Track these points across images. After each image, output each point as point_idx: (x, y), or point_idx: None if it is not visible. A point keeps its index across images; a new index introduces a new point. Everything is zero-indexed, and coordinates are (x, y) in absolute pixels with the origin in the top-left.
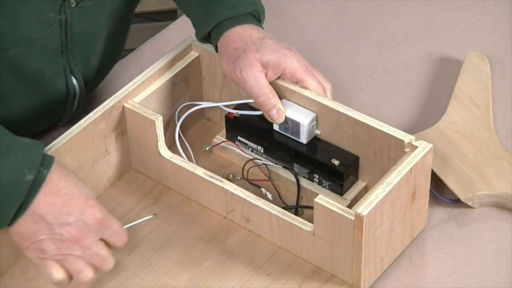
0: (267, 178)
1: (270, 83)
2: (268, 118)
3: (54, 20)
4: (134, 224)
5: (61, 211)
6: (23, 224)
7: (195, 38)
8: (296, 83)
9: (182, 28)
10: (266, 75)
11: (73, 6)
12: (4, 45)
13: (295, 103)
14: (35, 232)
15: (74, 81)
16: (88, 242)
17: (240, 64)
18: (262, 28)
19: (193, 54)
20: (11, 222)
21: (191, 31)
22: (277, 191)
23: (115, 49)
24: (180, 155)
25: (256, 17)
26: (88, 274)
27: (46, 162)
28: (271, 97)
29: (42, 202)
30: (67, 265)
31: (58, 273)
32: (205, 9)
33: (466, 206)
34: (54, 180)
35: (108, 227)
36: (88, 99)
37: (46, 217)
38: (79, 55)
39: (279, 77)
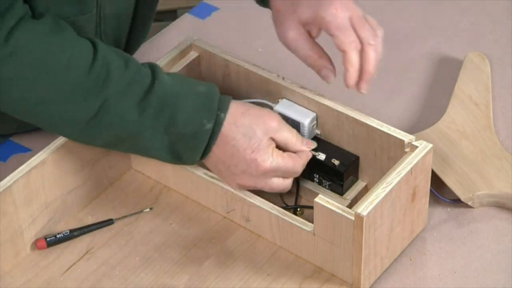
0: None
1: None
2: (322, 78)
3: (93, 4)
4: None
5: (230, 162)
6: (207, 164)
7: (195, 38)
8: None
9: (182, 28)
10: (311, 32)
11: None
12: None
13: (295, 103)
14: (218, 172)
15: None
16: (261, 185)
17: (283, 29)
18: None
19: (193, 54)
20: (198, 161)
21: (191, 31)
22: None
23: (143, 30)
24: None
25: None
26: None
27: (223, 105)
28: (316, 59)
29: (217, 150)
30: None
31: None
32: None
33: (466, 206)
34: (225, 131)
35: (276, 171)
36: None
37: (221, 164)
38: (111, 34)
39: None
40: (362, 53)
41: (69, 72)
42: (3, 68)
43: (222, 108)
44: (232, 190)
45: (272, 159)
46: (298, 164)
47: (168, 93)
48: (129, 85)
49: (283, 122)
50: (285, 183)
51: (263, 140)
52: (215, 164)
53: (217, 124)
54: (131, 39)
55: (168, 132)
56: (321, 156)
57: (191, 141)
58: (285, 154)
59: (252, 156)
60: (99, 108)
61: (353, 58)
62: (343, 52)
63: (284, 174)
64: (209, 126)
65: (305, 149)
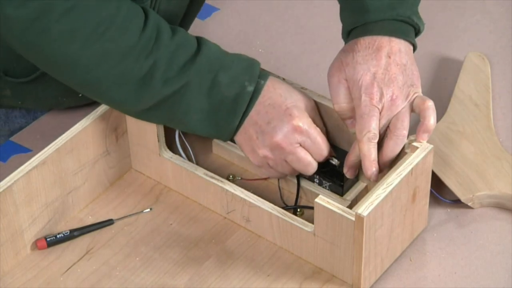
0: (268, 177)
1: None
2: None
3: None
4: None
5: (264, 120)
6: (240, 134)
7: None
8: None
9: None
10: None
11: None
12: None
13: None
14: (248, 141)
15: None
16: (289, 148)
17: (331, 68)
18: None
19: None
20: (234, 134)
21: (191, 31)
22: (280, 191)
23: (187, 28)
24: (180, 155)
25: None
26: (290, 172)
27: (263, 75)
28: (345, 109)
29: (251, 112)
30: (279, 169)
31: (276, 176)
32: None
33: (466, 206)
34: (262, 92)
35: (308, 136)
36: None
37: (252, 127)
38: (164, 9)
39: None
40: (381, 142)
41: (125, 31)
42: (63, 21)
43: (263, 77)
44: (232, 190)
45: (306, 118)
46: (326, 143)
47: (213, 56)
48: (177, 48)
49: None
50: (310, 159)
51: (299, 103)
52: (246, 131)
53: (257, 89)
54: (186, 16)
55: (211, 94)
56: (334, 161)
57: (231, 104)
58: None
59: (287, 111)
60: (149, 69)
61: (364, 149)
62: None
63: (312, 146)
64: (250, 88)
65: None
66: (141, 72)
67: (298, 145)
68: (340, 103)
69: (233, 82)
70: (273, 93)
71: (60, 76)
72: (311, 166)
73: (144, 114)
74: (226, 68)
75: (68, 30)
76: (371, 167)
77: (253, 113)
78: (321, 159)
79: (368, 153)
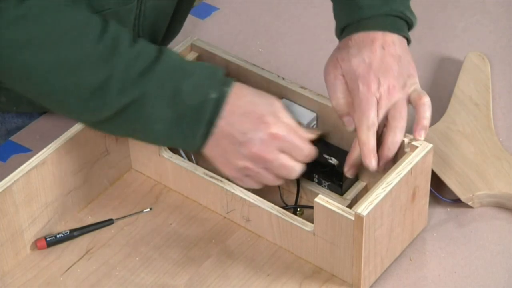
0: None
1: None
2: (343, 123)
3: None
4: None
5: (239, 130)
6: (210, 146)
7: (195, 38)
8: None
9: (182, 28)
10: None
11: None
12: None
13: (295, 103)
14: (221, 153)
15: None
16: (269, 156)
17: (328, 64)
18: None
19: (193, 54)
20: (202, 143)
21: (191, 31)
22: (279, 191)
23: (176, 27)
24: (180, 155)
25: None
26: (277, 183)
27: (228, 82)
28: (342, 104)
29: (223, 124)
30: (260, 179)
31: (256, 186)
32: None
33: (466, 206)
34: (231, 101)
35: (288, 142)
36: None
37: (227, 139)
38: (149, 28)
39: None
40: (380, 133)
41: (80, 40)
42: (15, 29)
43: (227, 83)
44: (232, 190)
45: (281, 123)
46: (306, 143)
47: (174, 64)
48: (136, 57)
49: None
50: (292, 164)
51: (270, 108)
52: (219, 143)
53: (222, 97)
54: (166, 36)
55: (173, 103)
56: (333, 161)
57: (194, 113)
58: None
59: (261, 119)
60: (106, 78)
61: (363, 137)
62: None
63: (293, 149)
64: (214, 96)
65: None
66: (97, 82)
67: (278, 151)
68: (338, 99)
69: (196, 90)
70: (242, 101)
71: (14, 85)
72: (294, 171)
73: (103, 126)
74: (187, 76)
75: (18, 39)
76: (369, 155)
77: (225, 125)
78: (305, 160)
79: (367, 140)
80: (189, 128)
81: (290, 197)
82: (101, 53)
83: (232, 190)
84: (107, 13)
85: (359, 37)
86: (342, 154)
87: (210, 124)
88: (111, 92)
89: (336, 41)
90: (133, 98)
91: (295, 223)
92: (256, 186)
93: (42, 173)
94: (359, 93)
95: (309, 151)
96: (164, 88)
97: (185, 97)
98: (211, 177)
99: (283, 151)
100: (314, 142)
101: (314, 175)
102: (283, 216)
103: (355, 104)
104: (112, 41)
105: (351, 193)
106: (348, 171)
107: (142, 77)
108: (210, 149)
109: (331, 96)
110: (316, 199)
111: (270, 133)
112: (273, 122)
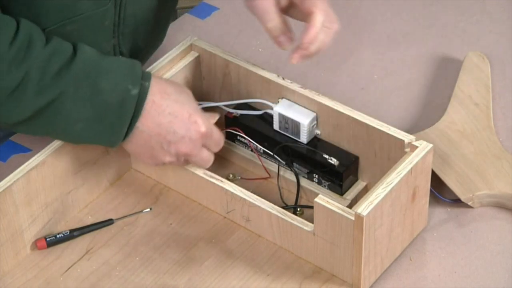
0: (268, 176)
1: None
2: (277, 45)
3: None
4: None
5: (168, 131)
6: (134, 143)
7: (195, 38)
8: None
9: (182, 28)
10: (278, 2)
11: None
12: (63, 21)
13: (295, 103)
14: (146, 150)
15: None
16: (195, 152)
17: None
18: None
19: (193, 54)
20: (124, 139)
21: (191, 31)
22: (279, 191)
23: (159, 34)
24: None
25: None
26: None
27: (146, 76)
28: (278, 22)
29: (150, 123)
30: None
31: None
32: None
33: (466, 206)
34: (157, 101)
35: (210, 137)
36: None
37: (154, 137)
38: (129, 36)
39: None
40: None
41: None
42: None
43: (145, 78)
44: (232, 190)
45: (207, 121)
46: (221, 135)
47: (90, 61)
48: (51, 56)
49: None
50: (210, 157)
51: (193, 105)
52: (146, 142)
53: (143, 92)
54: (148, 44)
55: (93, 102)
56: (333, 161)
57: (117, 110)
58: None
59: (191, 118)
60: (21, 80)
61: (319, 21)
62: (311, 13)
63: (214, 142)
64: (135, 92)
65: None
66: (13, 84)
67: (201, 147)
68: (273, 20)
69: (116, 87)
70: (167, 99)
71: None
72: (210, 162)
73: (22, 127)
74: (105, 73)
75: None
76: (312, 38)
77: (153, 125)
78: (218, 149)
79: (319, 25)
80: (112, 126)
81: (290, 197)
82: (15, 54)
83: (232, 190)
84: (80, 18)
85: None
86: (342, 154)
87: (133, 120)
88: (28, 94)
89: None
90: (51, 99)
91: (295, 223)
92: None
93: (42, 173)
94: None
95: (222, 144)
96: (82, 87)
97: (106, 96)
98: (211, 177)
99: (205, 146)
100: (314, 142)
101: (314, 175)
102: (283, 216)
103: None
104: (26, 42)
105: (351, 193)
106: (281, 41)
107: (59, 77)
108: (134, 146)
109: (264, 18)
110: (316, 199)
111: (200, 132)
112: (202, 122)
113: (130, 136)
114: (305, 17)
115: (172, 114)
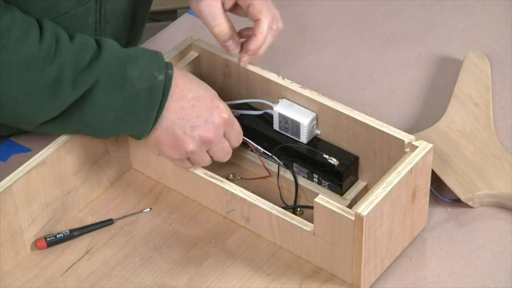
0: (268, 175)
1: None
2: (225, 49)
3: None
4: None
5: (192, 114)
6: (159, 130)
7: (195, 38)
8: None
9: (182, 28)
10: (223, 4)
11: None
12: None
13: (295, 103)
14: (170, 138)
15: None
16: (217, 139)
17: None
18: None
19: (193, 54)
20: (152, 127)
21: (191, 31)
22: (279, 191)
23: (138, 30)
24: None
25: None
26: (208, 164)
27: (168, 65)
28: (225, 28)
29: (173, 107)
30: (198, 161)
31: (190, 167)
32: None
33: (466, 206)
34: (180, 85)
35: (231, 126)
36: None
37: (178, 122)
38: (110, 33)
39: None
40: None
41: (22, 42)
42: None
43: (169, 67)
44: (232, 190)
45: (228, 108)
46: (240, 128)
47: (117, 50)
48: (80, 49)
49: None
50: (229, 148)
51: (214, 92)
52: (169, 127)
53: (168, 79)
54: (129, 40)
55: (124, 89)
56: (333, 161)
57: (147, 96)
58: None
59: (214, 103)
60: (57, 74)
61: (266, 28)
62: (258, 20)
63: (233, 134)
64: (161, 78)
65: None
66: (49, 79)
67: (222, 136)
68: (219, 24)
69: (143, 74)
70: (190, 84)
71: None
72: (229, 154)
73: (52, 126)
74: (132, 61)
75: None
76: (259, 45)
77: (177, 108)
78: (238, 144)
79: (265, 34)
80: (143, 112)
81: (290, 197)
82: (46, 51)
83: (232, 190)
84: (65, 17)
85: None
86: (342, 154)
87: (162, 105)
88: (64, 88)
89: (336, 41)
90: (85, 90)
91: (295, 223)
92: (190, 167)
93: (42, 173)
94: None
95: (241, 136)
96: (113, 75)
97: (135, 83)
98: (211, 177)
99: (226, 135)
100: (314, 142)
101: (314, 175)
102: (283, 216)
103: (255, 1)
104: (54, 38)
105: (351, 193)
106: (229, 45)
107: (91, 68)
108: (159, 133)
109: (212, 22)
110: (316, 199)
111: (223, 117)
112: (223, 107)
113: (158, 124)
114: (251, 18)
115: (195, 98)
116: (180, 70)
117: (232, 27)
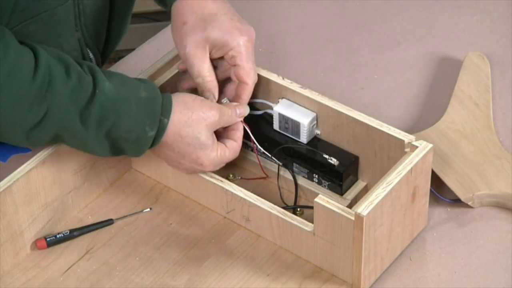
0: (266, 176)
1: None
2: (201, 95)
3: None
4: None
5: (174, 161)
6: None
7: None
8: (234, 66)
9: None
10: (210, 53)
11: None
12: (26, 21)
13: (295, 103)
14: (163, 157)
15: (91, 54)
16: (209, 169)
17: (186, 42)
18: None
19: None
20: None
21: None
22: (279, 191)
23: (122, 22)
24: None
25: None
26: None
27: (165, 110)
28: (207, 81)
29: (160, 152)
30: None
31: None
32: None
33: (466, 206)
34: (169, 141)
35: (220, 164)
36: None
37: (163, 160)
38: (92, 27)
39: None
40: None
41: (13, 81)
42: None
43: (165, 113)
44: (232, 190)
45: (215, 154)
46: (237, 150)
47: (109, 102)
48: (72, 93)
49: (220, 108)
50: (223, 164)
51: (207, 141)
52: (163, 151)
53: (161, 130)
54: (110, 34)
55: (110, 136)
56: (333, 161)
57: (134, 145)
58: (226, 145)
59: (198, 160)
60: (43, 116)
61: (250, 93)
62: (245, 83)
63: (227, 161)
64: (152, 133)
65: (239, 119)
66: (35, 121)
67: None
68: (203, 77)
69: (133, 127)
70: (180, 142)
71: None
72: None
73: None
74: (122, 115)
75: None
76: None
77: (161, 155)
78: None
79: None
80: (128, 151)
81: (290, 197)
82: (37, 91)
83: (232, 190)
84: (44, 16)
85: (189, 3)
86: (342, 154)
87: (151, 146)
88: (49, 128)
89: (336, 41)
90: (72, 135)
91: (295, 223)
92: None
93: (42, 173)
94: (245, 52)
95: (239, 150)
96: (101, 128)
97: (123, 133)
98: (210, 176)
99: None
100: (314, 142)
101: (314, 175)
102: (283, 216)
103: (242, 64)
104: (46, 77)
105: (351, 193)
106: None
107: (80, 117)
108: (156, 152)
109: (194, 74)
110: (316, 199)
111: (207, 167)
112: (207, 165)
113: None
114: (236, 78)
115: (180, 153)
116: (179, 119)
117: (213, 81)
